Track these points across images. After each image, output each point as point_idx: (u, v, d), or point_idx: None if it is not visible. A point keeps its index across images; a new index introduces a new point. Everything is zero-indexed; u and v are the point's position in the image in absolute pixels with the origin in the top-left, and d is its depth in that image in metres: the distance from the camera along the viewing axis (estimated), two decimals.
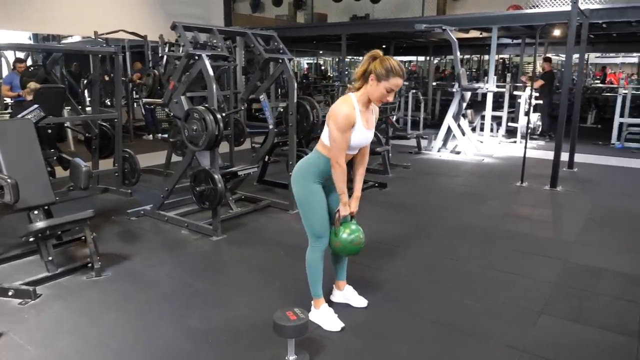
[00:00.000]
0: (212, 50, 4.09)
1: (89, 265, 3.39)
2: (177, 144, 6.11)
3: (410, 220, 4.66)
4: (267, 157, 5.58)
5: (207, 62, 3.92)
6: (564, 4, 9.30)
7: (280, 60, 4.74)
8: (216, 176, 3.93)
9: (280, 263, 3.65)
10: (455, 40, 7.86)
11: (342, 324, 2.69)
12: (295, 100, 4.67)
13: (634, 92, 10.19)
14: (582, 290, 3.18)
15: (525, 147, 6.07)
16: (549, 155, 7.60)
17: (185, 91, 4.15)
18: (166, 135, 6.21)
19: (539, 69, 10.43)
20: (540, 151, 8.32)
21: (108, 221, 4.48)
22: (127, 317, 2.81)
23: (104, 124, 5.34)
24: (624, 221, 4.65)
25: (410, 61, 24.57)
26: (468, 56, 20.36)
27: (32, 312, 2.84)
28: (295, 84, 4.67)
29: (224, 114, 4.17)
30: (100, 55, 5.23)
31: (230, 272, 3.54)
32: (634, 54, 18.98)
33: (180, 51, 5.95)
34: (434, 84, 13.58)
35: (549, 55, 13.09)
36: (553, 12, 8.42)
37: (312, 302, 2.80)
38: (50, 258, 3.19)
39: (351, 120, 2.46)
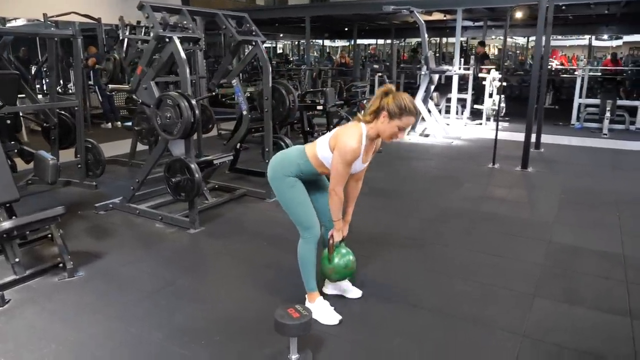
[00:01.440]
0: (183, 32, 3.85)
1: (60, 265, 3.15)
2: (142, 132, 5.81)
3: (390, 206, 4.61)
4: (239, 144, 5.39)
5: (179, 45, 3.68)
6: None
7: (254, 43, 4.53)
8: (192, 166, 3.73)
9: (264, 254, 3.51)
10: (423, 22, 7.83)
11: (339, 317, 2.60)
12: (270, 85, 4.49)
13: (590, 73, 10.51)
14: (569, 271, 3.22)
15: (497, 129, 6.13)
16: (515, 136, 7.81)
17: (155, 76, 3.90)
18: (130, 124, 5.89)
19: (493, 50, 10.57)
20: (506, 132, 8.46)
21: (75, 216, 4.19)
22: (108, 320, 2.61)
23: (63, 112, 4.98)
24: (592, 200, 4.77)
25: (369, 44, 24.58)
26: (428, 39, 20.49)
27: (2, 320, 2.60)
28: (270, 68, 4.49)
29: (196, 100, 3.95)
30: (56, 39, 4.85)
31: (213, 267, 3.37)
32: (585, 36, 19.72)
33: (143, 33, 5.62)
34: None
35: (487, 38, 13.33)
36: None
37: (306, 295, 2.69)
38: (17, 260, 2.93)
39: (357, 156, 2.43)
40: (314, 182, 2.70)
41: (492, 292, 2.94)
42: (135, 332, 2.49)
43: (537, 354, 2.32)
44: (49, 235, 3.52)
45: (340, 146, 2.40)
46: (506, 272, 3.21)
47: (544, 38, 5.94)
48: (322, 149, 2.51)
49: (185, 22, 3.92)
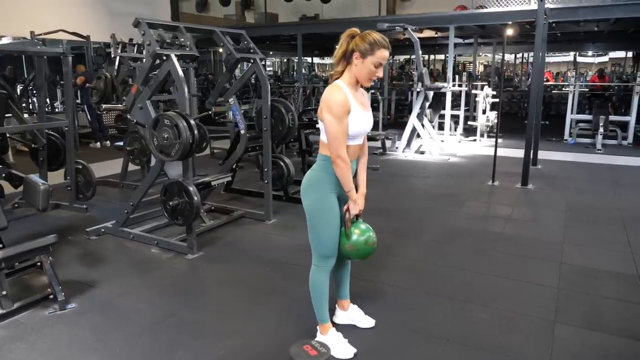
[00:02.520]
0: (180, 50, 3.71)
1: (50, 296, 2.94)
2: (134, 152, 5.64)
3: (393, 226, 4.46)
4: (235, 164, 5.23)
5: (177, 63, 3.55)
6: (514, 4, 9.51)
7: (252, 60, 4.41)
8: (191, 188, 3.56)
9: (268, 281, 3.34)
10: (417, 39, 7.80)
11: (354, 350, 2.44)
12: (269, 103, 4.36)
13: (580, 89, 10.59)
14: (587, 294, 3.10)
15: (496, 146, 6.07)
16: (510, 152, 7.78)
17: (151, 95, 3.75)
18: (121, 143, 5.71)
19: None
20: (501, 149, 8.38)
21: (65, 242, 3.98)
22: (105, 358, 2.41)
23: (52, 133, 4.79)
24: (598, 217, 4.69)
25: None
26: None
27: None
28: (269, 86, 4.37)
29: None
30: (45, 57, 4.68)
31: (215, 295, 3.18)
32: (570, 53, 20.05)
33: (135, 51, 5.48)
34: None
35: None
36: (515, 11, 8.53)
37: (318, 327, 2.52)
38: (4, 292, 2.72)
39: (346, 105, 2.21)
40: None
41: (511, 318, 2.80)
42: None
43: None
44: (38, 264, 3.31)
45: (325, 105, 2.23)
46: (522, 296, 3.08)
47: (540, 55, 5.91)
48: (322, 135, 2.31)
49: (182, 39, 3.79)
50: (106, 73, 5.35)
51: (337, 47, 2.31)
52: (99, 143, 8.56)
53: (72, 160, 4.72)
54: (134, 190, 4.26)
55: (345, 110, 2.22)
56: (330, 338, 2.46)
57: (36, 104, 8.84)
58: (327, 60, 25.14)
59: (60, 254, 3.72)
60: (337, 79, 2.31)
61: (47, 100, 8.97)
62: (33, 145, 4.71)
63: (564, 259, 3.65)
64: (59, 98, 10.89)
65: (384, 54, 2.22)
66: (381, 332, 2.64)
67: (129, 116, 3.90)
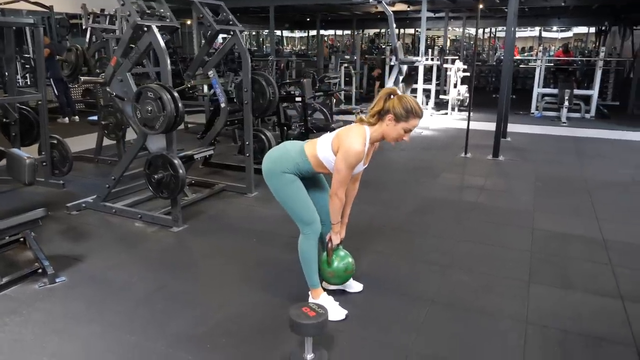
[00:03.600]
0: (161, 21, 3.66)
1: (39, 271, 2.94)
2: (109, 126, 5.53)
3: (373, 197, 4.59)
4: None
5: (158, 34, 3.50)
6: None
7: (232, 33, 4.37)
8: (176, 161, 3.57)
9: (255, 251, 3.42)
10: (391, 13, 7.84)
11: (345, 312, 2.57)
12: (249, 76, 4.36)
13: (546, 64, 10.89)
14: (557, 256, 3.32)
15: (469, 119, 6.24)
16: (480, 125, 7.99)
17: (132, 67, 3.69)
18: (95, 118, 5.59)
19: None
20: (471, 122, 8.63)
21: (45, 217, 3.92)
22: (103, 328, 2.46)
23: (24, 107, 4.65)
24: (565, 186, 4.95)
25: (328, 35, 24.52)
26: (384, 30, 20.65)
27: None
28: (249, 58, 4.35)
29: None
30: (14, 28, 4.50)
31: (205, 266, 3.24)
32: (535, 28, 20.47)
33: (107, 22, 5.32)
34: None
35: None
36: None
37: (309, 292, 2.64)
38: None
39: (360, 159, 2.38)
40: (311, 180, 2.64)
41: (489, 281, 2.98)
42: (137, 341, 2.35)
43: (545, 340, 2.37)
44: (22, 239, 3.29)
45: (345, 149, 2.35)
46: (498, 260, 3.26)
47: (512, 30, 6.06)
48: (323, 150, 2.44)
49: (162, 10, 3.73)
50: (77, 45, 5.20)
51: (372, 105, 2.41)
52: (67, 118, 8.31)
53: (46, 135, 4.61)
54: (117, 164, 4.22)
55: (358, 162, 2.38)
56: (322, 301, 2.57)
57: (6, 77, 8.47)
58: (297, 34, 24.84)
59: (42, 229, 3.64)
60: (366, 125, 2.41)
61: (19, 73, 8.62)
62: (5, 120, 4.57)
63: (535, 226, 3.86)
64: (19, 72, 10.45)
65: (417, 122, 2.36)
66: (369, 296, 2.77)
67: (107, 89, 3.83)
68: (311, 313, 2.08)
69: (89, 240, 3.57)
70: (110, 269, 3.12)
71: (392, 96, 2.37)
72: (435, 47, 15.32)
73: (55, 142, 4.70)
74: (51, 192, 4.66)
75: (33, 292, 2.81)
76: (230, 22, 4.40)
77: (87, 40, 5.31)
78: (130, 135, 5.83)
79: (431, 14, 12.83)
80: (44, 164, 4.68)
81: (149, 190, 4.00)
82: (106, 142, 5.83)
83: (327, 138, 2.47)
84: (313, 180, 2.65)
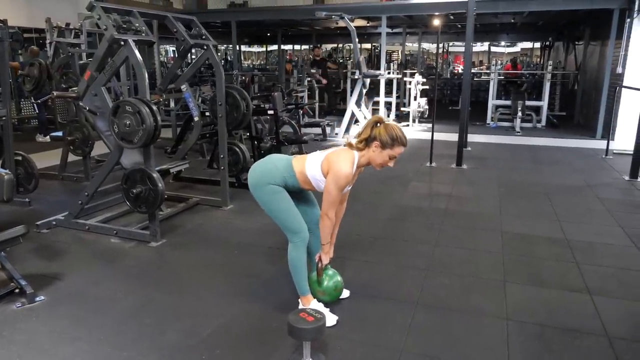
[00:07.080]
0: (137, 35, 3.65)
1: (16, 290, 2.85)
2: (75, 142, 5.40)
3: (349, 208, 4.64)
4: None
5: (135, 49, 3.49)
6: None
7: (205, 47, 4.40)
8: (155, 175, 3.54)
9: (238, 263, 3.43)
10: (354, 28, 8.06)
11: (336, 317, 2.63)
12: (223, 90, 4.39)
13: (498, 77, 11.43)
14: (527, 257, 3.51)
15: (433, 130, 6.48)
16: (441, 136, 8.27)
17: (107, 82, 3.66)
18: (60, 134, 5.44)
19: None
20: (429, 133, 8.92)
21: (26, 234, 3.77)
22: (92, 346, 2.41)
23: None
24: (526, 192, 5.22)
25: (287, 50, 24.69)
26: (345, 45, 21.07)
27: None
28: (223, 72, 4.39)
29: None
30: None
31: (189, 279, 3.22)
32: (485, 43, 21.41)
33: (72, 37, 5.22)
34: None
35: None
36: (446, 3, 8.91)
37: (300, 300, 2.69)
38: None
39: (349, 181, 2.50)
40: (299, 193, 2.71)
41: (468, 282, 3.12)
42: (130, 355, 2.33)
43: (525, 335, 2.52)
44: None
45: (335, 171, 2.44)
46: (474, 262, 3.42)
47: (471, 45, 6.38)
48: (311, 168, 2.53)
49: (137, 24, 3.72)
50: (40, 60, 5.08)
51: (359, 131, 2.53)
52: (48, 137, 7.76)
53: (11, 152, 4.45)
54: (91, 180, 4.13)
55: (347, 184, 2.50)
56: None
57: None
58: (255, 49, 24.92)
59: (13, 248, 3.49)
60: (355, 150, 2.51)
61: None
62: None
63: (503, 229, 4.07)
64: None
65: (401, 150, 2.48)
66: (357, 301, 2.85)
67: (80, 103, 3.77)
68: (309, 318, 2.13)
69: (65, 258, 3.48)
70: (91, 285, 3.06)
71: (379, 124, 2.48)
72: (392, 62, 15.76)
73: (20, 158, 4.55)
74: (17, 210, 4.50)
75: (12, 312, 2.72)
76: (203, 37, 4.43)
77: (50, 54, 5.18)
78: (97, 151, 5.72)
79: (389, 30, 13.23)
80: None
81: (121, 206, 3.94)
82: (72, 157, 5.67)
83: (316, 157, 2.56)
84: (301, 193, 2.73)
